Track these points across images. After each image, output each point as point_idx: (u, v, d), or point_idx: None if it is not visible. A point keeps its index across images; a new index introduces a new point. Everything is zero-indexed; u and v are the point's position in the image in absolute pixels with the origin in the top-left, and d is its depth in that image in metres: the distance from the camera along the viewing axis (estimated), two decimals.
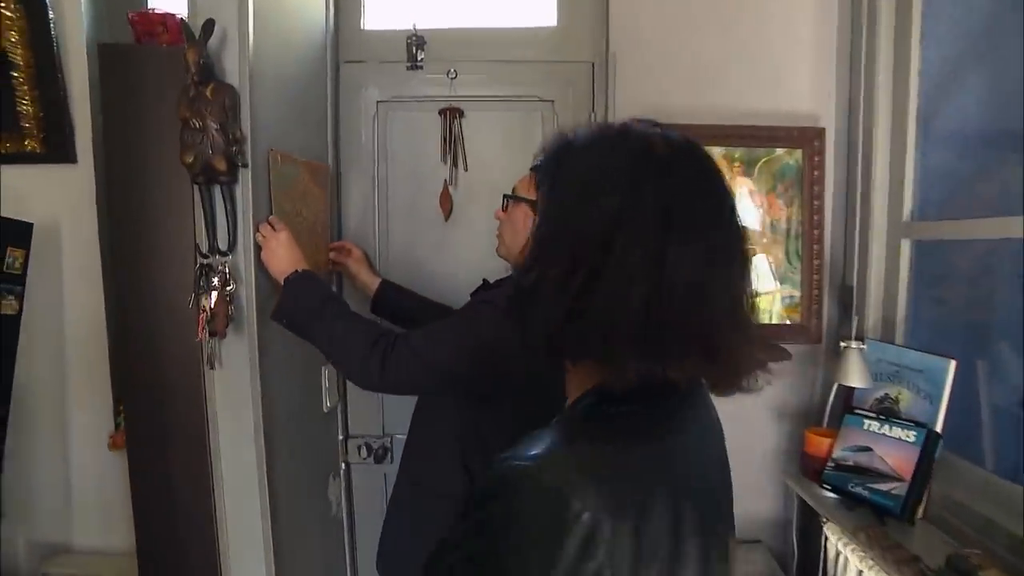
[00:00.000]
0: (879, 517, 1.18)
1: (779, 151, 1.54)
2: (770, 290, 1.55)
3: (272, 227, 1.15)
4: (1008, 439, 1.22)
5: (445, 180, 1.57)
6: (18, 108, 1.48)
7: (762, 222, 1.55)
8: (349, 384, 1.64)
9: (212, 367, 1.16)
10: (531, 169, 1.21)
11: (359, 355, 1.00)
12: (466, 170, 1.57)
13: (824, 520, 1.24)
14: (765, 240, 1.55)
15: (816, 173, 1.52)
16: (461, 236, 1.60)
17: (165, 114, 1.12)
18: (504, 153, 1.58)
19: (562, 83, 1.57)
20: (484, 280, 1.24)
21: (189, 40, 1.06)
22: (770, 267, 1.55)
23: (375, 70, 1.58)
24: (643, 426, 0.51)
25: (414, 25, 1.54)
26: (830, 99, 1.53)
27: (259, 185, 1.16)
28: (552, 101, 1.57)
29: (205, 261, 1.13)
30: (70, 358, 1.63)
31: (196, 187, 1.13)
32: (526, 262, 0.55)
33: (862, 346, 1.33)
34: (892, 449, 1.20)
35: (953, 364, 1.19)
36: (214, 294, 1.12)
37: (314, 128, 1.48)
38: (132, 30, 1.18)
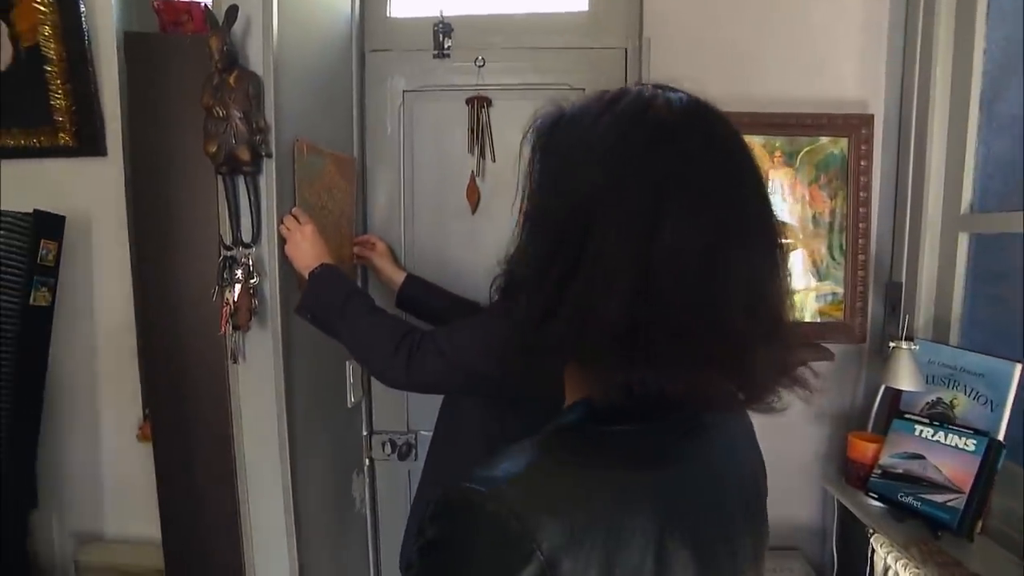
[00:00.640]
0: (932, 531, 1.10)
1: (823, 140, 1.45)
2: (805, 287, 1.47)
3: (297, 220, 1.13)
4: None
5: (472, 171, 1.53)
6: (51, 102, 1.50)
7: (804, 215, 1.47)
8: (373, 379, 1.62)
9: (235, 361, 1.15)
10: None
11: (385, 353, 0.97)
12: (494, 161, 1.53)
13: (870, 531, 1.17)
14: (806, 234, 1.47)
15: (863, 163, 1.44)
16: (488, 229, 1.56)
17: (189, 103, 1.11)
18: None
19: (593, 70, 1.51)
20: None
21: (212, 27, 1.04)
22: (808, 262, 1.47)
23: (401, 59, 1.54)
24: (631, 449, 0.43)
25: (441, 12, 1.50)
26: (879, 84, 1.44)
27: (283, 176, 1.14)
28: (583, 89, 1.51)
29: (229, 253, 1.12)
30: (100, 349, 1.65)
31: (220, 178, 1.11)
32: (512, 250, 0.49)
33: (913, 346, 1.25)
34: (948, 458, 1.12)
35: (1019, 368, 1.10)
36: (237, 287, 1.10)
37: (340, 118, 1.45)
38: (158, 19, 1.17)
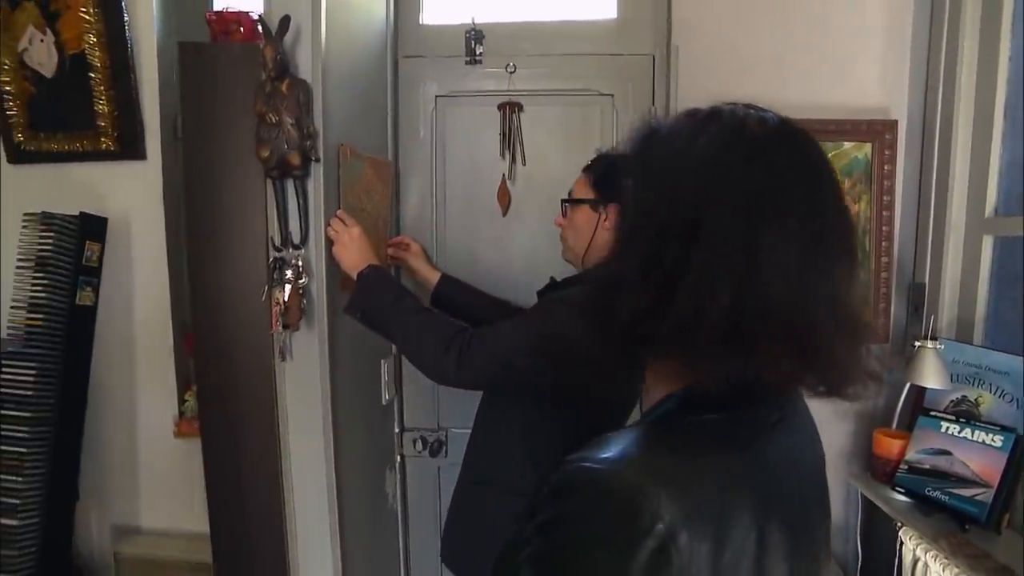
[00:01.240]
0: (960, 524, 1.14)
1: (847, 145, 1.49)
2: None
3: (343, 222, 1.17)
4: None
5: (504, 174, 1.57)
6: (95, 108, 1.54)
7: None
8: (405, 377, 1.66)
9: (284, 359, 1.19)
10: (583, 170, 1.21)
11: (436, 351, 1.01)
12: (524, 164, 1.57)
13: (899, 524, 1.20)
14: None
15: (887, 168, 1.47)
16: (519, 230, 1.60)
17: (239, 109, 1.15)
18: (563, 147, 1.57)
19: (622, 76, 1.55)
20: (552, 278, 1.23)
21: (267, 37, 1.08)
22: None
23: (433, 65, 1.58)
24: (727, 436, 0.47)
25: (472, 19, 1.54)
26: (903, 90, 1.47)
27: (330, 180, 1.18)
28: (612, 95, 1.55)
29: (278, 254, 1.16)
30: (138, 347, 1.69)
31: (270, 181, 1.15)
32: (612, 252, 0.53)
33: (939, 346, 1.28)
34: (975, 453, 1.15)
35: None
36: (287, 287, 1.14)
37: (375, 123, 1.49)
38: (209, 29, 1.21)
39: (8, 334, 1.39)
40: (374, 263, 1.14)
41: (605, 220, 1.15)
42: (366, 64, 1.43)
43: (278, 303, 1.14)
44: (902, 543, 1.18)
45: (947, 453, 1.20)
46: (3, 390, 1.36)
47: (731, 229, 0.44)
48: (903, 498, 1.25)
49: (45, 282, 1.40)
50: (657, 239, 0.46)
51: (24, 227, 1.41)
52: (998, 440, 1.13)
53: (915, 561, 1.14)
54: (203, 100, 1.19)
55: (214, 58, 1.19)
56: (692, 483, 0.43)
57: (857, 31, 1.48)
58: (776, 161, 0.46)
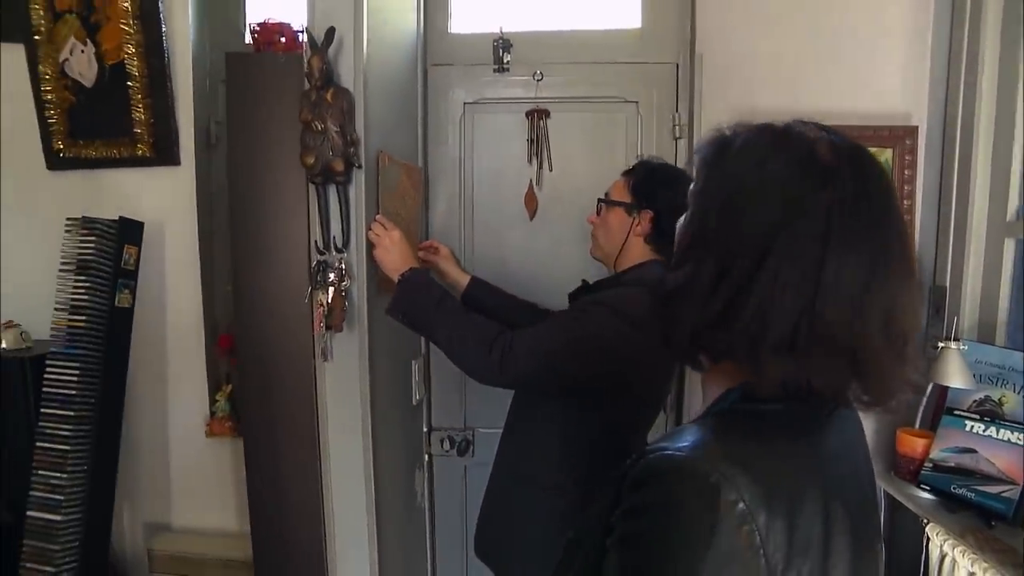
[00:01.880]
0: (986, 520, 1.16)
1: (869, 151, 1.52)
2: None
3: (383, 226, 1.20)
4: None
5: (531, 180, 1.60)
6: (132, 116, 1.58)
7: None
8: (433, 377, 1.70)
9: (325, 359, 1.22)
10: (623, 173, 1.24)
11: (479, 352, 1.05)
12: (551, 170, 1.60)
13: (925, 521, 1.23)
14: None
15: (907, 173, 1.50)
16: (546, 235, 1.63)
17: (282, 117, 1.19)
18: (589, 153, 1.61)
19: (646, 84, 1.59)
20: (583, 281, 1.27)
21: (313, 47, 1.12)
22: None
23: (462, 73, 1.62)
24: (790, 424, 0.51)
25: (500, 29, 1.58)
26: (923, 96, 1.50)
27: (370, 185, 1.22)
28: (636, 102, 1.59)
29: (322, 258, 1.20)
30: (170, 348, 1.73)
31: (313, 187, 1.19)
32: (675, 259, 0.56)
33: (962, 347, 1.31)
34: (1000, 451, 1.18)
35: None
36: (331, 289, 1.18)
37: (407, 130, 1.53)
38: (253, 40, 1.25)
39: (52, 335, 1.43)
40: (415, 266, 1.17)
41: (637, 225, 1.18)
42: (399, 73, 1.47)
43: (321, 305, 1.18)
44: (928, 539, 1.21)
45: (972, 451, 1.23)
46: (47, 389, 1.40)
47: (801, 252, 0.47)
48: (928, 496, 1.28)
49: (87, 284, 1.43)
50: (728, 255, 0.49)
51: (67, 231, 1.45)
52: (1023, 438, 1.16)
53: (942, 557, 1.16)
54: (248, 108, 1.23)
55: (259, 68, 1.23)
56: (766, 466, 0.46)
57: (878, 38, 1.51)
58: (846, 188, 0.48)
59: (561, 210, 1.61)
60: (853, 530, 0.49)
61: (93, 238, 1.45)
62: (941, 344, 1.33)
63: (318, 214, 1.20)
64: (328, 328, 1.18)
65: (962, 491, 1.21)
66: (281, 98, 1.20)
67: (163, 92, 1.59)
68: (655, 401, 1.22)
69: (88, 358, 1.43)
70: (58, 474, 1.38)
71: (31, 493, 1.39)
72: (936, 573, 1.18)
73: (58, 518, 1.38)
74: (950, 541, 1.14)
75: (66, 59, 1.57)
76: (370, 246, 1.20)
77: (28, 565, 1.38)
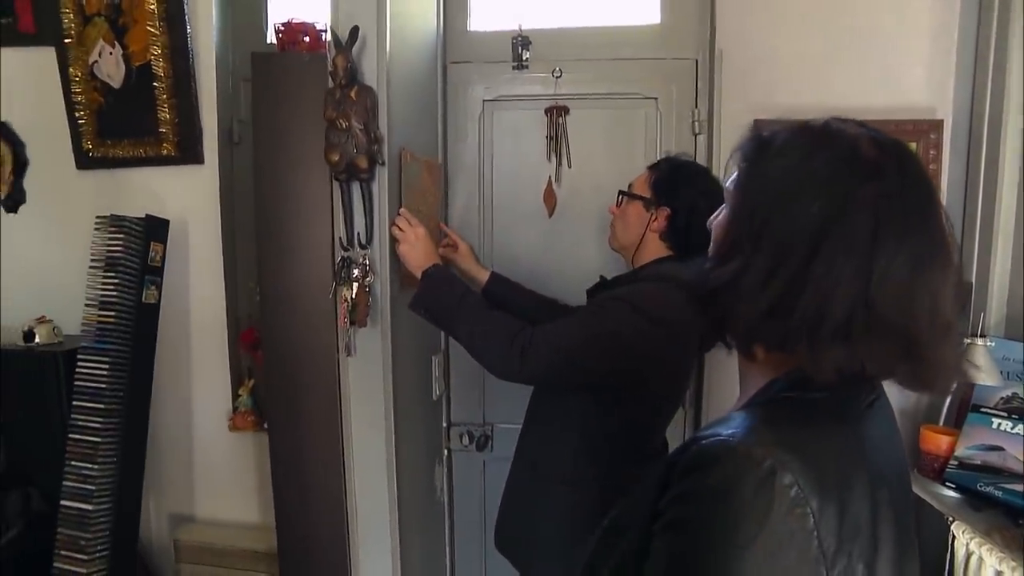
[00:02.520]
0: (1013, 519, 1.15)
1: None
2: None
3: (408, 222, 1.22)
4: None
5: (550, 176, 1.61)
6: (158, 115, 1.61)
7: None
8: (452, 372, 1.71)
9: (349, 354, 1.24)
10: (648, 167, 1.25)
11: (501, 348, 1.06)
12: (570, 167, 1.60)
13: (950, 519, 1.22)
14: None
15: (932, 167, 1.48)
16: (564, 232, 1.64)
17: (305, 115, 1.21)
18: (608, 150, 1.61)
19: (666, 80, 1.58)
20: (601, 277, 1.27)
21: (337, 46, 1.14)
22: None
23: (481, 70, 1.63)
24: (837, 412, 0.52)
25: (519, 26, 1.59)
26: (948, 89, 1.48)
27: (393, 182, 1.23)
28: (656, 98, 1.59)
29: (346, 254, 1.21)
30: (194, 343, 1.77)
31: (337, 184, 1.20)
32: (720, 254, 0.56)
33: (989, 343, 1.29)
34: None
35: None
36: (355, 285, 1.19)
37: (427, 127, 1.54)
38: (277, 39, 1.27)
39: (82, 330, 1.46)
40: (438, 262, 1.18)
41: (654, 220, 1.18)
42: (420, 70, 1.48)
43: (345, 300, 1.20)
44: (954, 538, 1.19)
45: (999, 449, 1.21)
46: (79, 383, 1.44)
47: (853, 245, 0.48)
48: (953, 493, 1.27)
49: (116, 281, 1.47)
50: (779, 249, 0.50)
51: (96, 229, 1.48)
52: None
53: (968, 555, 1.15)
54: (272, 107, 1.25)
55: (283, 67, 1.25)
56: (818, 452, 0.47)
57: (902, 32, 1.49)
58: (892, 183, 0.50)
59: (580, 207, 1.62)
60: (896, 520, 0.50)
61: (121, 236, 1.48)
62: (967, 341, 1.31)
63: (342, 211, 1.21)
64: (352, 323, 1.20)
65: (989, 489, 1.20)
66: (305, 97, 1.22)
67: (188, 92, 1.62)
68: (674, 397, 1.22)
69: (117, 353, 1.46)
70: (90, 465, 1.42)
71: (64, 483, 1.43)
72: (962, 572, 1.17)
73: (90, 507, 1.41)
74: (976, 539, 1.13)
75: (95, 61, 1.60)
76: (394, 242, 1.22)
77: (62, 553, 1.42)
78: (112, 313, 1.46)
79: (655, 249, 1.19)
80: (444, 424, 1.71)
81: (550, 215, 1.63)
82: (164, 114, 1.63)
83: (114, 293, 1.47)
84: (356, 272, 1.19)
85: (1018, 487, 1.16)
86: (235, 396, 1.76)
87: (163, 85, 1.60)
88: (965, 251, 1.48)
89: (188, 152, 1.67)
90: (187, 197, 1.71)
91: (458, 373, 1.71)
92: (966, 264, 1.47)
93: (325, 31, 1.25)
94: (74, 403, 1.44)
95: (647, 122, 1.60)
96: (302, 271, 1.27)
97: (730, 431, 0.48)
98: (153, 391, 1.62)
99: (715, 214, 0.61)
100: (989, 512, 1.19)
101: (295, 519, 1.33)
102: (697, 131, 1.58)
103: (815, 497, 0.44)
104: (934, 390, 0.54)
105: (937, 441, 1.34)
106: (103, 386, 1.44)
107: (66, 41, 1.61)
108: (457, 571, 1.79)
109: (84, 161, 1.69)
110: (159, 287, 1.60)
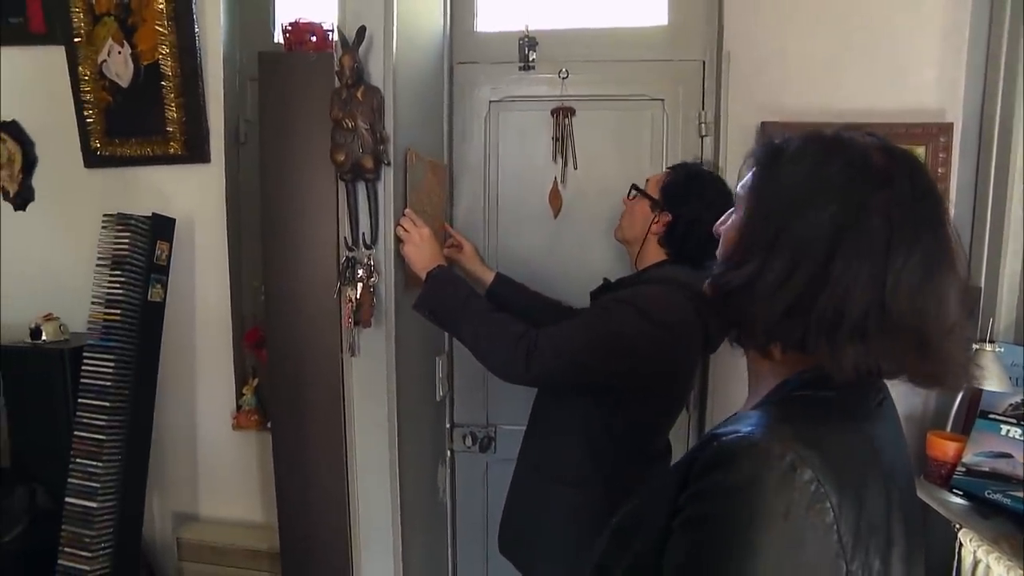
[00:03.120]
0: (1021, 526, 1.14)
1: None
2: None
3: (413, 222, 1.22)
4: None
5: (556, 177, 1.60)
6: (166, 114, 1.62)
7: None
8: (456, 374, 1.71)
9: (353, 354, 1.24)
10: (667, 169, 1.25)
11: (505, 350, 1.05)
12: (576, 168, 1.60)
13: (957, 526, 1.21)
14: None
15: (941, 171, 1.47)
16: (570, 233, 1.63)
17: (311, 115, 1.21)
18: (614, 151, 1.60)
19: (673, 81, 1.57)
20: (605, 279, 1.27)
21: (344, 46, 1.14)
22: None
23: (487, 71, 1.63)
24: (849, 410, 0.53)
25: (526, 27, 1.58)
26: (958, 92, 1.47)
27: (398, 182, 1.23)
28: (662, 100, 1.58)
29: (351, 254, 1.21)
30: (199, 342, 1.77)
31: (342, 184, 1.20)
32: (735, 256, 0.57)
33: (997, 349, 1.28)
34: None
35: None
36: (359, 285, 1.19)
37: (433, 128, 1.54)
38: (284, 39, 1.28)
39: (88, 328, 1.47)
40: (443, 263, 1.18)
41: (655, 223, 1.18)
42: (426, 71, 1.48)
43: (350, 301, 1.20)
44: (961, 545, 1.18)
45: (1008, 456, 1.20)
46: (85, 380, 1.45)
47: (868, 249, 0.50)
48: (960, 500, 1.25)
49: (122, 279, 1.47)
50: (795, 253, 0.51)
51: (103, 227, 1.49)
52: None
53: (975, 563, 1.14)
54: (279, 106, 1.25)
55: (290, 67, 1.26)
56: (835, 449, 0.48)
57: (912, 34, 1.48)
58: (903, 190, 0.51)
59: (585, 208, 1.61)
60: (906, 518, 0.51)
61: (128, 234, 1.49)
62: (976, 346, 1.30)
63: (347, 211, 1.21)
64: (356, 324, 1.20)
65: (997, 496, 1.18)
66: (311, 96, 1.22)
67: (195, 92, 1.63)
68: (678, 399, 1.21)
69: (123, 351, 1.47)
70: (94, 462, 1.43)
71: (69, 480, 1.43)
72: None
73: (94, 505, 1.42)
74: (984, 547, 1.12)
75: (104, 60, 1.61)
76: (398, 242, 1.22)
77: (66, 550, 1.42)
78: (118, 311, 1.47)
79: (655, 251, 1.20)
80: (447, 425, 1.71)
81: (555, 216, 1.62)
82: (171, 113, 1.64)
83: (120, 291, 1.48)
84: (361, 272, 1.19)
85: None
86: (239, 395, 1.76)
87: (171, 84, 1.61)
88: (974, 256, 1.47)
89: (195, 151, 1.68)
90: (193, 196, 1.72)
91: (462, 374, 1.71)
92: (975, 269, 1.46)
93: (332, 31, 1.25)
94: (79, 400, 1.45)
95: (653, 124, 1.59)
96: (307, 271, 1.28)
97: (749, 428, 0.48)
98: (158, 389, 1.63)
99: (722, 219, 0.62)
100: (997, 520, 1.17)
101: (297, 518, 1.33)
102: (704, 133, 1.58)
103: (834, 492, 0.45)
104: (945, 386, 0.55)
105: (944, 447, 1.32)
106: (108, 384, 1.44)
107: (76, 40, 1.62)
108: (459, 573, 1.79)
109: (92, 160, 1.70)
110: (165, 285, 1.61)
